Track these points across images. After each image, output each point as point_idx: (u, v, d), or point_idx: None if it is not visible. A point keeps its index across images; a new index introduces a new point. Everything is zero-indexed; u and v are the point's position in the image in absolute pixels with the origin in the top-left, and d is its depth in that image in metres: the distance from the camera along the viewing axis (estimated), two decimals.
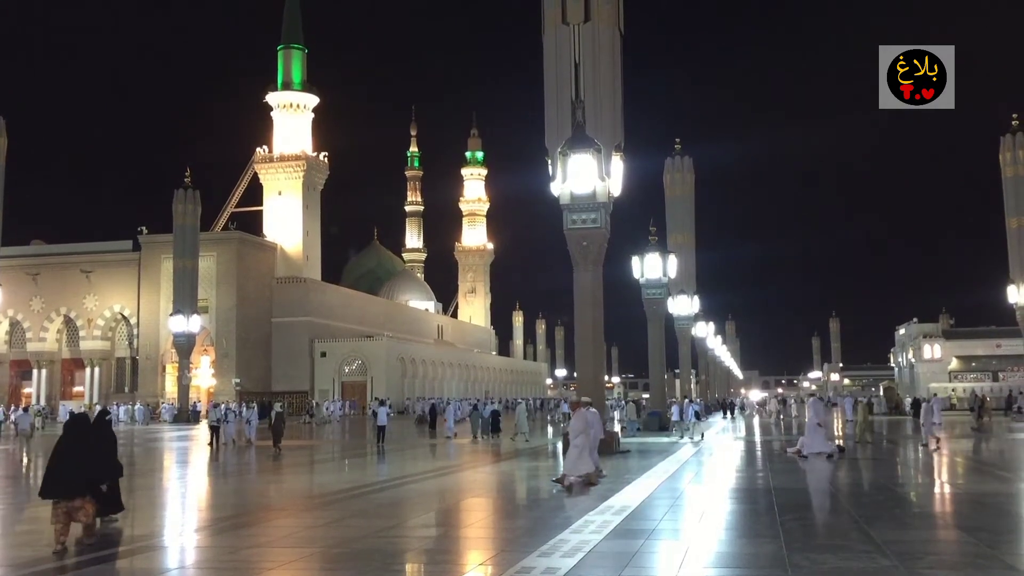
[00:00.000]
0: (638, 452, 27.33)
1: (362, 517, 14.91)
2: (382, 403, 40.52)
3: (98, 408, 19.10)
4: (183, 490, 20.56)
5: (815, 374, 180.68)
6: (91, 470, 11.99)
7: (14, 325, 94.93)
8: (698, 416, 38.16)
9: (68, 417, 13.14)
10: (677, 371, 67.21)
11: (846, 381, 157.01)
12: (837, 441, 28.55)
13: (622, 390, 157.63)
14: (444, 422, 41.97)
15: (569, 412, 23.35)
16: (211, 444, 33.60)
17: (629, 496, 16.10)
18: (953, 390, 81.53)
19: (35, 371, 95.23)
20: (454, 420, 41.03)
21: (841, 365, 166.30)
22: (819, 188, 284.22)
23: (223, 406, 40.37)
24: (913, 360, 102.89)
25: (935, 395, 38.79)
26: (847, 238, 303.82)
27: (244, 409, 49.51)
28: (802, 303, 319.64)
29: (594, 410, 21.20)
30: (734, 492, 17.80)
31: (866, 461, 24.78)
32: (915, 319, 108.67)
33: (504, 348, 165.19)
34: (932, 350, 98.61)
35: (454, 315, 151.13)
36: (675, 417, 38.96)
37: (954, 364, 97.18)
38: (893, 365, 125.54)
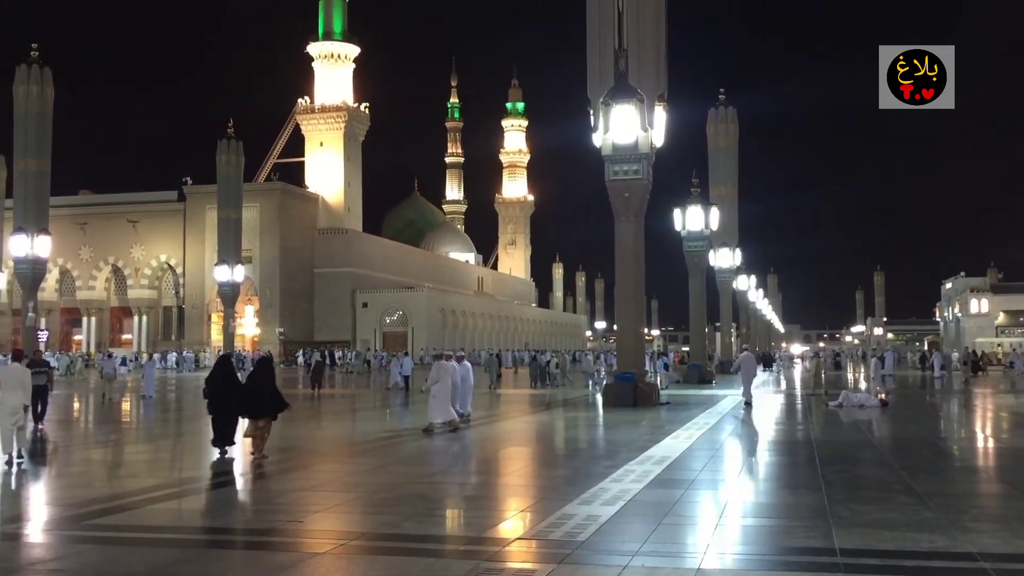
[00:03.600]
0: (678, 404, 27.36)
1: (404, 463, 15.14)
2: (406, 354, 42.66)
3: (260, 353, 22.24)
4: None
5: (858, 328, 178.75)
6: (274, 400, 15.30)
7: (64, 274, 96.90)
8: (667, 368, 38.83)
9: (258, 359, 17.39)
10: (718, 324, 66.87)
11: (890, 336, 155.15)
12: (880, 395, 28.32)
13: (661, 343, 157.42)
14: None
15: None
16: None
17: (669, 447, 16.15)
18: (999, 345, 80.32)
19: (84, 319, 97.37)
20: (400, 370, 38.62)
21: (885, 319, 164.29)
22: (865, 139, 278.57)
23: (234, 354, 42.43)
24: (960, 315, 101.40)
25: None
26: (894, 190, 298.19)
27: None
28: (846, 257, 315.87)
29: (465, 363, 21.60)
30: (774, 444, 17.80)
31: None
32: (962, 273, 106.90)
33: (544, 300, 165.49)
34: (979, 304, 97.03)
35: (494, 267, 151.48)
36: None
37: (1001, 319, 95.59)
38: (939, 320, 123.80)
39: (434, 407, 18.99)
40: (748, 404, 26.32)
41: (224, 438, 15.10)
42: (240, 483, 13.18)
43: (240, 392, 15.31)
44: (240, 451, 15.36)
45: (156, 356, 73.58)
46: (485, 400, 32.02)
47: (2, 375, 15.08)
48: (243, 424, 15.49)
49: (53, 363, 49.17)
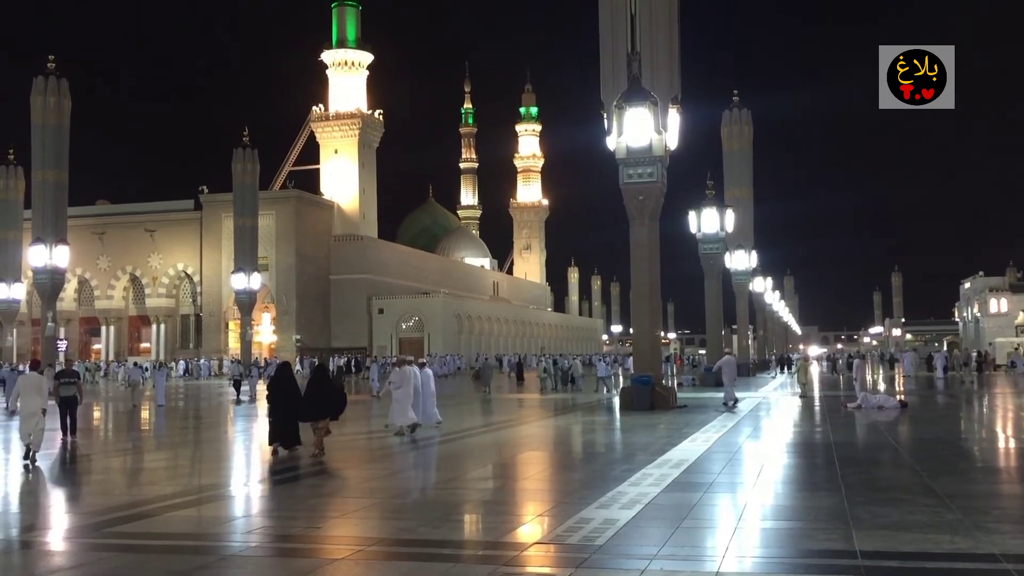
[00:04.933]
0: (695, 407, 27.27)
1: (421, 469, 15.16)
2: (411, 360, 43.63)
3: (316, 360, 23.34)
4: (247, 442, 21.08)
5: (876, 329, 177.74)
6: (334, 402, 16.65)
7: (82, 283, 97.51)
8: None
9: (315, 364, 18.69)
10: (734, 327, 66.65)
11: (908, 336, 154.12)
12: (899, 396, 28.25)
13: (678, 346, 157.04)
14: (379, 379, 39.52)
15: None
16: (236, 399, 35.28)
17: (687, 450, 16.09)
18: (1018, 346, 79.62)
19: (103, 328, 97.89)
20: (378, 376, 39.53)
21: (903, 320, 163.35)
22: (881, 139, 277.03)
23: (234, 362, 42.69)
24: (979, 314, 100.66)
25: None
26: (911, 189, 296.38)
27: (265, 365, 51.46)
28: (864, 257, 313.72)
29: (426, 370, 22.15)
30: (792, 446, 17.70)
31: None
32: (981, 272, 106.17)
33: (559, 304, 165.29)
34: (998, 304, 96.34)
35: (509, 272, 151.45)
36: (601, 374, 39.34)
37: (1021, 318, 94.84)
38: (958, 320, 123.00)
39: (397, 410, 19.64)
40: (725, 404, 27.10)
41: (284, 438, 16.36)
42: (258, 489, 13.22)
43: (300, 396, 16.63)
44: (258, 456, 15.42)
45: (173, 364, 74.04)
46: (496, 406, 32.01)
47: (21, 383, 16.44)
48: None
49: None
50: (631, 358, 48.79)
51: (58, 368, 31.67)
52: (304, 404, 16.42)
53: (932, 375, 50.42)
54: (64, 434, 19.21)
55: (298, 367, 73.96)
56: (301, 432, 16.59)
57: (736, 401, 27.89)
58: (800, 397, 31.33)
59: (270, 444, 16.48)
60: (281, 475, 14.29)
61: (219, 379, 66.28)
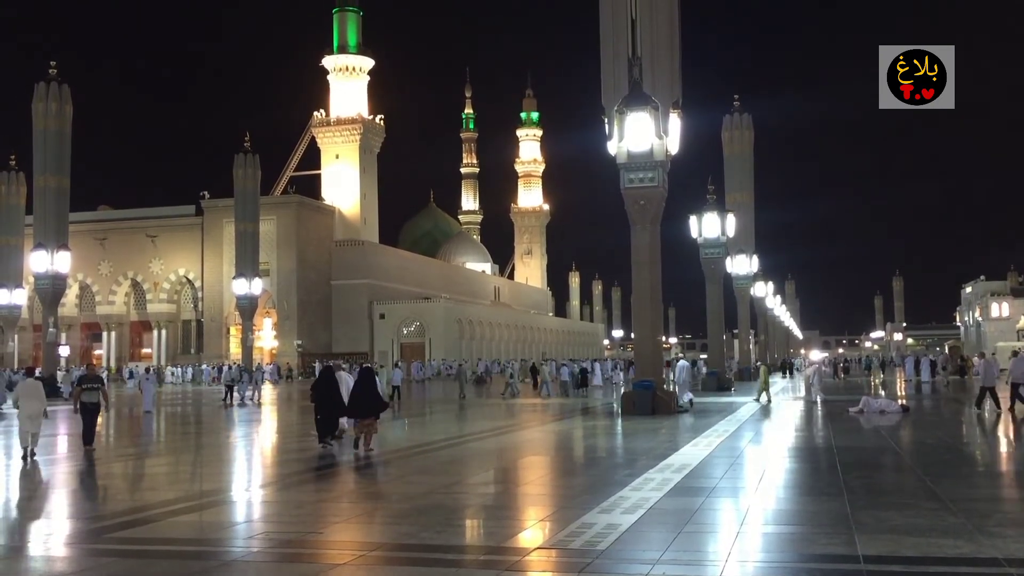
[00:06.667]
0: (696, 412, 27.24)
1: (423, 474, 15.12)
2: (395, 365, 47.67)
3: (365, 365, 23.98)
4: (248, 447, 21.07)
5: (878, 334, 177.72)
6: (377, 402, 17.94)
7: (84, 289, 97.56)
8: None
9: (361, 369, 19.60)
10: (735, 331, 66.58)
11: (909, 341, 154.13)
12: (901, 400, 28.21)
13: (678, 350, 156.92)
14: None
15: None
16: (224, 401, 35.74)
17: (688, 455, 16.07)
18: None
19: (105, 333, 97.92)
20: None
21: (905, 324, 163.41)
22: (883, 144, 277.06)
23: (235, 367, 43.30)
24: (980, 319, 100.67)
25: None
26: (912, 193, 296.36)
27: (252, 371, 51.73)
28: (865, 262, 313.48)
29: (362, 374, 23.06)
30: (794, 451, 17.67)
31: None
32: (982, 276, 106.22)
33: (560, 309, 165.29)
34: (1000, 308, 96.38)
35: (510, 276, 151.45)
36: (564, 377, 39.50)
37: (1022, 322, 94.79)
38: (959, 324, 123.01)
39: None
40: (687, 406, 28.33)
41: (328, 434, 18.11)
42: (260, 495, 13.21)
43: (344, 397, 18.28)
44: (257, 463, 15.38)
45: (171, 370, 74.01)
46: (500, 411, 31.97)
47: (20, 389, 17.63)
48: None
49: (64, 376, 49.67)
50: (597, 363, 49.97)
51: (78, 373, 31.55)
52: (352, 403, 17.84)
53: (919, 379, 50.40)
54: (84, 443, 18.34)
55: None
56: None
57: (690, 402, 28.97)
58: (755, 401, 31.36)
59: (320, 442, 17.93)
60: (283, 480, 14.26)
61: (218, 385, 66.26)
